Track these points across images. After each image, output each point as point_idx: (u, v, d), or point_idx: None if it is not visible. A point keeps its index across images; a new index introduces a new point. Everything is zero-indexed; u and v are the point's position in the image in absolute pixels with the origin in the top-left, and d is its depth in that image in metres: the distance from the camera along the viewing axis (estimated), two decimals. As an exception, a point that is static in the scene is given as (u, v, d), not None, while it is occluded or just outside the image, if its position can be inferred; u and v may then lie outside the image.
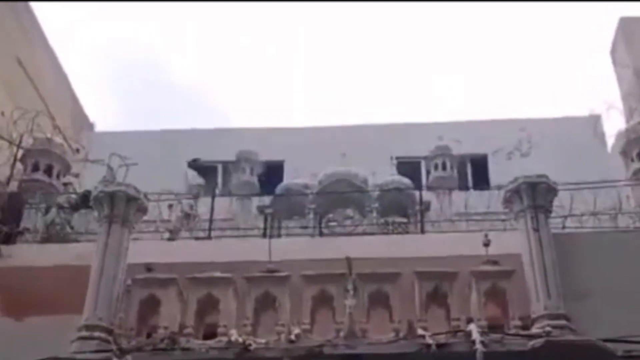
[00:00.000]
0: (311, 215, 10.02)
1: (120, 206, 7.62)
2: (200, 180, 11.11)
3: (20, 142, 10.35)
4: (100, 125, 14.52)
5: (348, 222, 9.81)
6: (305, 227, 9.81)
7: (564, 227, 8.54)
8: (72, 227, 9.70)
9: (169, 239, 9.44)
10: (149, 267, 7.64)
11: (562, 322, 6.94)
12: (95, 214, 7.94)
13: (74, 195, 9.78)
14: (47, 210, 9.67)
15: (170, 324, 7.25)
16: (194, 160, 11.31)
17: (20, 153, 10.29)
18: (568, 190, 8.51)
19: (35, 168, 10.11)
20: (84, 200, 9.57)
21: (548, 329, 6.85)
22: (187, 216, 10.08)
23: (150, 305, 7.42)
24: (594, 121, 11.90)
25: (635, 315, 7.06)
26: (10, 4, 12.26)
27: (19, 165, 10.26)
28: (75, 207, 9.67)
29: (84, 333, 7.04)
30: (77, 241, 9.24)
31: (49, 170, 10.13)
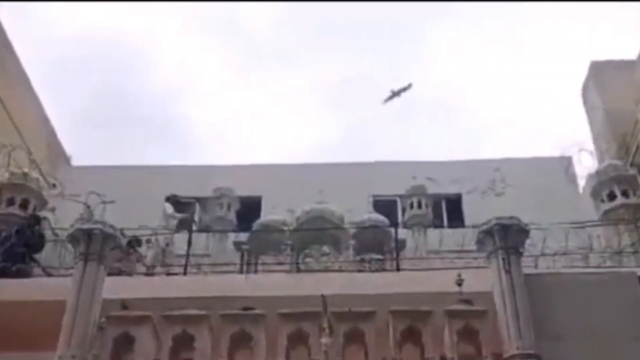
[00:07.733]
0: (288, 251, 10.08)
1: (97, 244, 7.60)
2: (178, 216, 11.13)
3: (-5, 176, 10.35)
4: (76, 156, 14.53)
5: (324, 258, 9.88)
6: (282, 263, 9.85)
7: (536, 267, 8.67)
8: None
9: (146, 274, 9.42)
10: (124, 304, 7.60)
11: (534, 361, 7.01)
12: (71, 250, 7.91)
13: None
14: None
15: (145, 362, 7.21)
16: (173, 196, 11.35)
17: (-4, 187, 10.26)
18: (541, 230, 8.66)
19: (11, 202, 10.08)
20: None
21: (520, 368, 6.91)
22: (163, 251, 10.09)
23: (125, 343, 7.37)
24: (566, 162, 12.15)
25: (607, 356, 7.17)
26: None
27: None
28: None
29: (57, 370, 6.96)
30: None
31: (24, 205, 10.11)
